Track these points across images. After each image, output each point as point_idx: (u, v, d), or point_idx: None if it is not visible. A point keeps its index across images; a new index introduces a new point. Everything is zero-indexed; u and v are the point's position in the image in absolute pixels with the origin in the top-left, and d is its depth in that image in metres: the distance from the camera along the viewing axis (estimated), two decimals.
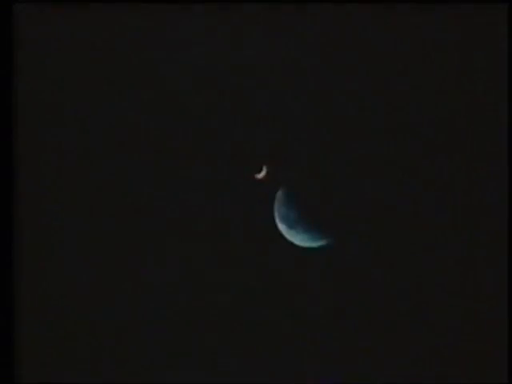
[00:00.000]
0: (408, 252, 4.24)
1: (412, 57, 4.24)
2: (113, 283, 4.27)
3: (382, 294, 4.24)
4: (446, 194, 4.26)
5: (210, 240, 4.29)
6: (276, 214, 4.23)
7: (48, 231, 4.27)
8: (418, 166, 4.26)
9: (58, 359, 4.25)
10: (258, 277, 4.26)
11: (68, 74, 4.29)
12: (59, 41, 4.28)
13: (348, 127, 4.27)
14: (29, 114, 4.26)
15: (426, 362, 4.25)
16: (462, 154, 4.26)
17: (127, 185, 4.30)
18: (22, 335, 4.23)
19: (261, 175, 3.96)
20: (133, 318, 4.27)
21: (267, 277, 4.26)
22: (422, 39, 4.23)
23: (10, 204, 4.22)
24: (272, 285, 4.26)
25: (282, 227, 4.24)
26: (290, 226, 4.22)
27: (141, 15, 4.26)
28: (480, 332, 4.21)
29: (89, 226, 4.28)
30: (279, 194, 4.23)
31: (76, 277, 4.27)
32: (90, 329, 4.25)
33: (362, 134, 4.27)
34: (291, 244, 4.25)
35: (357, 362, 4.26)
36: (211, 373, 4.28)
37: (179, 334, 4.27)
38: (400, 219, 4.25)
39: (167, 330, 4.28)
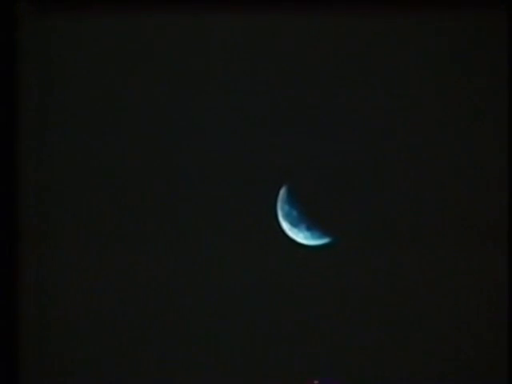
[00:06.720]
0: (411, 251, 4.25)
1: (412, 61, 4.28)
2: (112, 283, 4.26)
3: (384, 292, 4.25)
4: (447, 194, 4.28)
5: (212, 237, 4.28)
6: (279, 212, 4.23)
7: (49, 231, 4.27)
8: (420, 165, 4.28)
9: (58, 361, 4.24)
10: (259, 274, 4.26)
11: (69, 74, 4.30)
12: (59, 40, 4.28)
13: (350, 125, 4.29)
14: (30, 113, 4.26)
15: (427, 363, 4.25)
16: (462, 155, 4.29)
17: (126, 183, 4.30)
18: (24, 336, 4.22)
19: None
20: (132, 319, 4.26)
21: (269, 274, 4.26)
22: (421, 44, 4.27)
23: (11, 204, 4.21)
24: (274, 282, 4.26)
25: (284, 225, 4.24)
26: (293, 223, 4.22)
27: (141, 15, 4.28)
28: (480, 334, 4.22)
29: (89, 229, 4.28)
30: (282, 192, 4.24)
31: (77, 277, 4.27)
32: (90, 331, 4.24)
33: (365, 132, 4.29)
34: (294, 242, 4.25)
35: (357, 362, 4.26)
36: (210, 373, 4.27)
37: (178, 334, 4.26)
38: (403, 218, 4.27)
39: (166, 331, 4.26)
